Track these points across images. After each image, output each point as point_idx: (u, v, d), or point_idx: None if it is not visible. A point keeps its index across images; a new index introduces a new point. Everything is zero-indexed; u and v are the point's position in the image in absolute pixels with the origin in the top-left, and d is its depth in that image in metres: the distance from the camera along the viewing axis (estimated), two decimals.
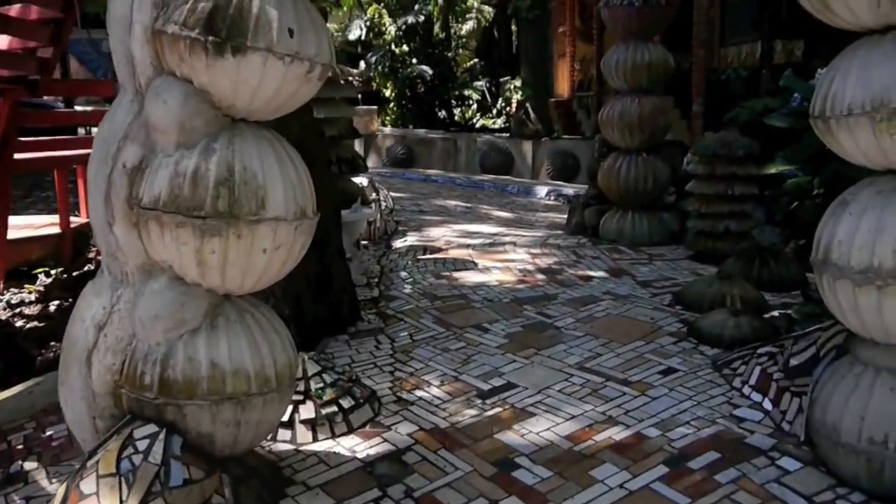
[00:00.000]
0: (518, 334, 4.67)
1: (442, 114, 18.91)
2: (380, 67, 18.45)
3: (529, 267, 6.31)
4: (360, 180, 7.48)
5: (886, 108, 2.53)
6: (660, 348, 4.42)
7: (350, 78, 6.10)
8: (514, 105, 17.27)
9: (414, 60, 18.06)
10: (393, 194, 10.92)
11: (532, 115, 15.78)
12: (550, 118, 16.32)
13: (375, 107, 16.69)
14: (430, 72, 17.52)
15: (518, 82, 16.76)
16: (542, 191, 12.40)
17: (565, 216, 10.24)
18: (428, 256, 6.76)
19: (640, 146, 7.25)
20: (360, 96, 19.11)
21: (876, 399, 2.81)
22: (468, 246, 7.17)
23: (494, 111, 19.11)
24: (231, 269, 2.64)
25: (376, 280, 6.09)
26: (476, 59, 20.79)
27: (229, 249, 2.59)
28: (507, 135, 16.26)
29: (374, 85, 18.98)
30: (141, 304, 2.72)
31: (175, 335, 2.70)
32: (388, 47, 18.27)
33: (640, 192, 7.23)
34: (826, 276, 2.92)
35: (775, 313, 5.02)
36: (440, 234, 7.92)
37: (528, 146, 14.58)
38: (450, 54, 18.74)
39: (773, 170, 7.01)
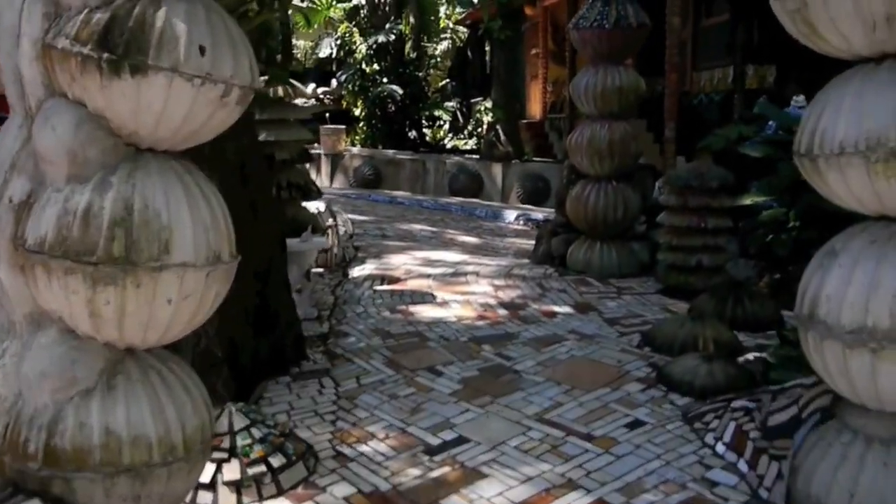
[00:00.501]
0: (474, 379, 4.32)
1: (412, 134, 18.59)
2: (350, 86, 18.13)
3: (491, 300, 5.97)
4: (317, 205, 7.13)
5: (884, 147, 2.22)
6: (626, 396, 4.09)
7: (304, 99, 5.76)
8: (485, 126, 17.02)
9: (385, 80, 17.75)
10: (356, 217, 10.59)
11: (502, 136, 15.51)
12: (521, 140, 16.08)
13: (343, 126, 16.34)
14: (401, 91, 17.21)
15: (489, 104, 16.51)
16: (510, 215, 12.10)
17: (533, 242, 9.96)
18: (385, 287, 6.41)
19: (609, 174, 6.95)
20: (328, 115, 18.80)
21: (868, 474, 2.49)
22: (429, 276, 6.82)
23: (466, 132, 18.85)
24: (130, 321, 2.27)
25: (328, 313, 5.72)
26: (448, 80, 20.55)
27: (127, 300, 2.22)
28: (477, 156, 15.99)
29: (345, 104, 18.66)
30: (27, 358, 2.35)
31: (64, 396, 2.32)
32: (358, 66, 17.95)
33: (610, 221, 6.93)
34: (812, 334, 2.60)
35: (750, 356, 4.72)
36: (401, 262, 7.57)
37: (497, 168, 14.30)
38: (421, 74, 18.45)
39: (747, 201, 6.74)
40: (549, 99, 22.55)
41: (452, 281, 6.63)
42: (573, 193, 7.12)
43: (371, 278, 6.74)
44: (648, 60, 11.68)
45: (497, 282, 6.63)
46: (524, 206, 13.56)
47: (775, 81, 16.39)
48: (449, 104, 18.43)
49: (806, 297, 2.66)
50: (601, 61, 6.83)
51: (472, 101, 19.06)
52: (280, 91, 5.58)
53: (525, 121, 21.39)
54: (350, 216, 10.75)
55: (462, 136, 19.81)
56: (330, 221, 7.11)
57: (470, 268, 7.24)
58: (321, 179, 15.38)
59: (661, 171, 10.78)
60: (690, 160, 14.71)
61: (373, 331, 5.19)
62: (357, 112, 18.20)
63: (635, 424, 3.74)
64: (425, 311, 5.63)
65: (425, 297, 6.04)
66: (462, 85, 22.41)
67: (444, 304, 5.85)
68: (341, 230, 7.91)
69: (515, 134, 15.83)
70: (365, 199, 13.12)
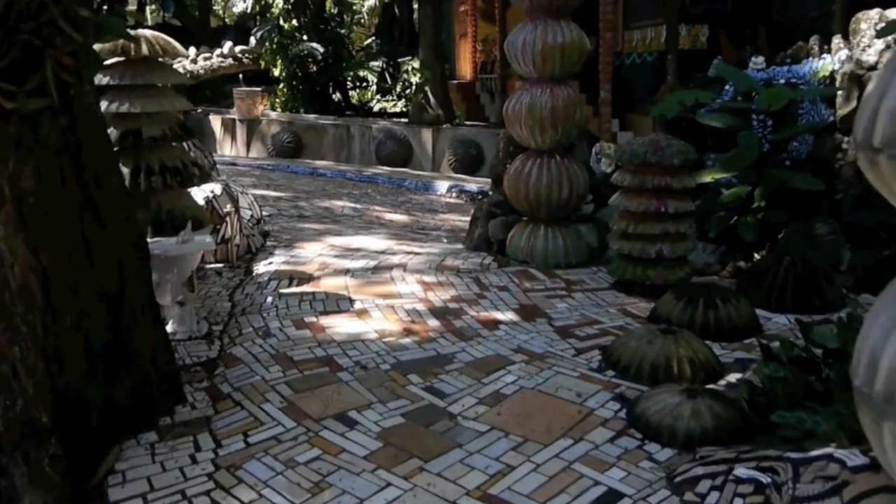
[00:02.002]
0: (397, 431, 3.36)
1: (337, 96, 17.40)
2: (267, 44, 16.80)
3: (420, 306, 5.00)
4: (211, 188, 6.03)
5: None
6: (593, 450, 3.19)
7: (178, 59, 4.63)
8: (413, 88, 15.93)
9: (304, 37, 16.47)
10: (270, 194, 9.50)
11: (432, 99, 14.48)
12: (452, 103, 15.04)
13: (259, 89, 15.05)
14: (321, 50, 15.96)
15: (416, 63, 15.40)
16: (442, 186, 11.12)
17: (467, 219, 9.02)
18: (294, 290, 5.38)
19: (552, 146, 6.01)
20: (241, 76, 17.47)
21: None
22: (347, 271, 5.81)
23: (394, 94, 17.71)
24: None
25: (220, 328, 4.69)
26: (373, 38, 19.33)
27: None
28: (406, 121, 14.93)
29: (262, 63, 17.34)
30: None
31: None
32: (275, 22, 16.61)
33: (554, 203, 6.00)
34: (890, 424, 1.70)
35: (732, 379, 3.87)
36: (316, 251, 6.53)
37: (427, 134, 13.28)
38: (344, 31, 17.20)
39: (706, 178, 5.90)
40: (480, 58, 21.47)
41: (374, 279, 5.63)
42: (511, 169, 6.17)
43: (278, 277, 5.69)
44: (579, 18, 10.79)
45: (427, 278, 5.65)
46: (456, 175, 12.61)
47: (708, 41, 15.71)
48: (375, 64, 17.28)
49: (880, 366, 1.74)
50: (540, 15, 5.84)
51: (400, 60, 17.91)
52: (145, 48, 4.46)
53: (455, 81, 20.37)
54: (263, 192, 9.65)
55: (390, 98, 18.69)
56: (228, 207, 6.02)
57: (396, 259, 6.24)
58: (237, 148, 14.14)
59: (597, 136, 9.93)
60: (624, 125, 14.00)
61: (272, 356, 4.17)
62: (276, 73, 16.91)
63: (610, 498, 2.83)
64: (339, 325, 4.63)
65: (341, 304, 5.04)
66: (391, 44, 21.21)
67: (364, 312, 4.86)
68: (246, 215, 6.82)
69: (445, 96, 14.80)
70: (283, 170, 11.95)
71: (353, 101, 17.85)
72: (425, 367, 4.00)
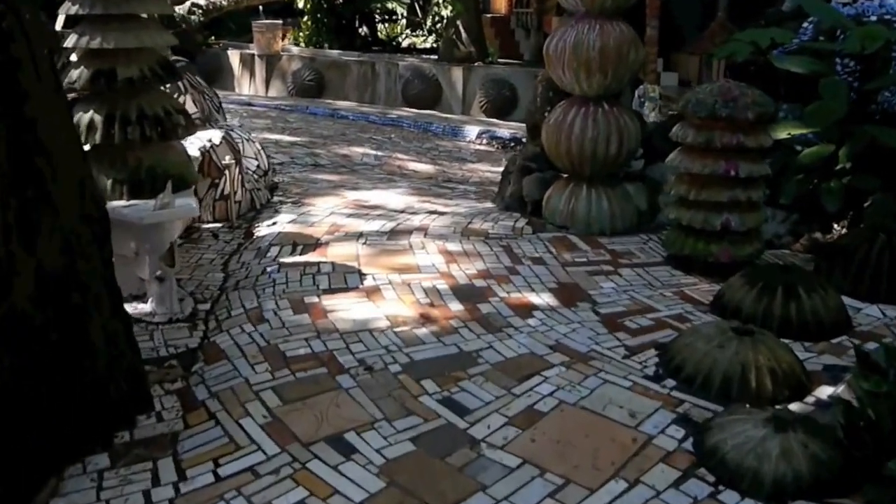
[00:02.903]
0: (405, 464, 2.66)
1: (363, 30, 16.43)
2: None
3: (441, 283, 4.27)
4: (209, 136, 5.30)
5: None
6: (654, 499, 2.47)
7: None
8: (444, 22, 14.94)
9: None
10: (286, 139, 8.76)
11: (464, 34, 13.52)
12: (485, 39, 14.07)
13: (279, 21, 14.15)
14: None
15: None
16: (472, 131, 10.29)
17: (499, 170, 8.23)
18: (297, 259, 4.67)
19: (601, 93, 5.18)
20: (260, 8, 16.52)
21: None
22: (359, 236, 5.08)
23: (425, 28, 16.69)
24: None
25: (209, 306, 4.02)
26: None
27: None
28: (436, 58, 14.00)
29: None
30: None
31: None
32: None
33: (601, 159, 5.20)
34: None
35: (822, 394, 3.13)
36: (327, 209, 5.80)
37: (458, 73, 12.39)
38: None
39: (781, 134, 5.05)
40: None
41: (390, 246, 4.89)
42: (551, 119, 5.35)
43: (281, 241, 4.98)
44: None
45: (451, 245, 4.91)
46: (488, 119, 11.76)
47: None
48: None
49: None
50: None
51: None
52: None
53: (489, 15, 19.29)
54: (277, 137, 8.90)
55: (420, 33, 17.70)
56: (228, 159, 5.29)
57: (417, 220, 5.50)
58: (255, 86, 13.35)
59: (641, 77, 9.02)
60: (668, 65, 12.98)
61: (262, 349, 3.49)
62: (300, 4, 15.97)
63: None
64: (345, 308, 3.92)
65: (349, 279, 4.32)
66: None
67: (375, 291, 4.14)
68: (252, 166, 6.10)
69: (479, 31, 13.82)
70: (301, 111, 11.15)
71: (381, 35, 16.87)
72: (444, 370, 3.28)
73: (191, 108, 5.47)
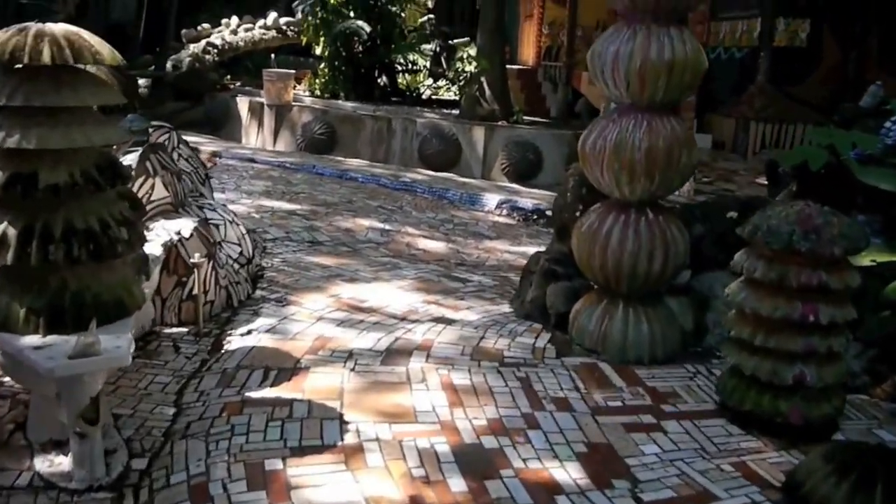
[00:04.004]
0: None
1: (383, 80, 15.75)
2: (310, 18, 15.20)
3: (441, 442, 3.40)
4: (179, 227, 4.48)
5: None
6: None
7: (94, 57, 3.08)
8: (467, 76, 14.20)
9: (351, 14, 14.82)
10: (285, 206, 7.95)
11: (488, 91, 12.79)
12: (509, 97, 13.32)
13: (292, 71, 13.46)
14: (368, 29, 14.31)
15: (473, 50, 13.68)
16: (491, 200, 9.47)
17: (519, 250, 7.41)
18: (266, 393, 3.81)
19: (645, 199, 4.34)
20: (272, 56, 15.88)
21: None
22: (348, 356, 4.23)
23: (448, 77, 15.97)
24: None
25: (145, 463, 3.18)
26: (429, 16, 17.60)
27: None
28: (457, 112, 13.27)
29: (304, 40, 15.78)
30: None
31: None
32: None
33: (641, 276, 4.34)
34: None
35: None
36: (316, 311, 4.96)
37: (479, 133, 11.61)
38: (395, 9, 15.49)
39: (864, 261, 4.18)
40: (544, 43, 19.72)
41: (384, 376, 4.04)
42: (584, 224, 4.50)
43: (252, 363, 4.13)
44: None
45: (457, 376, 4.05)
46: (509, 185, 10.94)
47: (808, 39, 13.76)
48: (427, 47, 15.54)
49: None
50: (642, 19, 4.15)
51: (455, 41, 16.18)
52: (47, 54, 2.87)
53: (515, 67, 18.63)
54: (275, 204, 8.10)
55: (443, 83, 17.03)
56: (198, 257, 4.45)
57: (419, 332, 4.65)
58: (263, 137, 12.62)
59: None
60: (702, 127, 12.15)
61: None
62: (318, 51, 15.32)
63: None
64: (314, 483, 3.05)
65: (326, 430, 3.45)
66: (447, 23, 19.51)
67: (356, 453, 3.26)
68: (234, 253, 5.28)
69: (503, 89, 13.08)
70: (307, 171, 10.35)
71: (401, 86, 16.20)
72: None
73: (160, 192, 4.67)
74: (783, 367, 3.52)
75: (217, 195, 8.05)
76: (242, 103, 12.97)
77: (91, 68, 3.20)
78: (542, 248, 7.63)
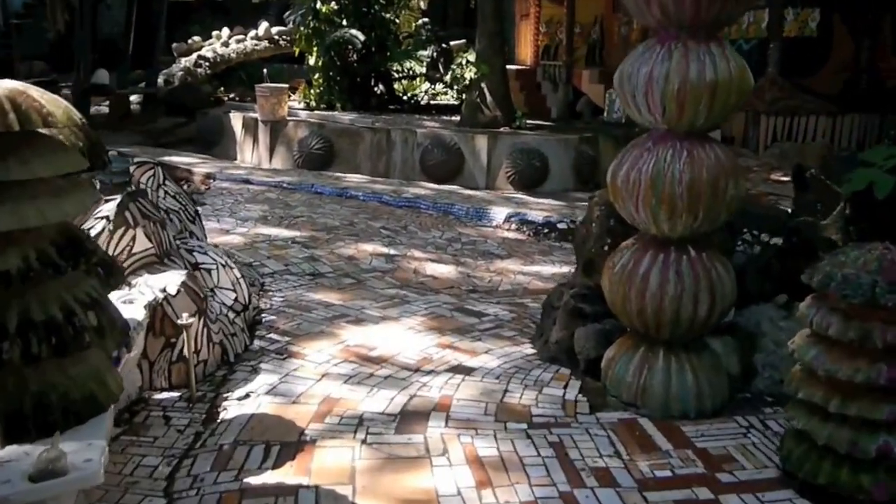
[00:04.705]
0: None
1: (379, 88, 15.26)
2: (302, 28, 14.70)
3: None
4: (165, 284, 4.02)
5: None
6: None
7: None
8: (466, 81, 13.70)
9: (344, 22, 14.32)
10: (283, 233, 7.48)
11: (489, 97, 12.31)
12: (511, 101, 12.84)
13: (286, 86, 12.96)
14: (362, 38, 13.82)
15: (472, 56, 13.19)
16: (499, 214, 9.00)
17: (532, 270, 6.95)
18: (267, 478, 3.34)
19: (686, 236, 3.86)
20: (265, 71, 15.40)
21: None
22: (358, 423, 3.77)
23: (447, 83, 15.48)
24: None
25: None
26: (424, 20, 17.11)
27: None
28: (458, 118, 12.78)
29: (296, 50, 15.28)
30: None
31: None
32: (311, 4, 14.48)
33: (685, 322, 3.87)
34: None
35: None
36: (320, 364, 4.50)
37: (482, 141, 11.13)
38: (389, 15, 15.00)
39: None
40: (542, 42, 19.25)
41: (399, 449, 3.57)
42: (617, 264, 4.02)
43: (251, 437, 3.66)
44: None
45: (482, 445, 3.59)
46: (516, 195, 10.46)
47: (818, 28, 13.29)
48: (423, 53, 15.04)
49: None
50: (677, 35, 3.68)
51: (451, 43, 15.68)
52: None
53: (514, 67, 18.16)
54: (272, 232, 7.63)
55: (441, 89, 16.55)
56: (186, 318, 3.96)
57: (436, 386, 4.20)
58: (258, 154, 12.13)
59: None
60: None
61: None
62: (311, 61, 14.83)
63: None
64: None
65: None
66: (441, 25, 19.00)
67: None
68: (228, 300, 4.81)
69: (505, 93, 12.60)
70: (306, 190, 9.86)
71: (398, 93, 15.71)
72: None
73: (142, 244, 4.19)
74: (865, 438, 3.05)
75: (211, 224, 7.62)
76: (236, 119, 12.48)
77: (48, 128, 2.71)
78: (556, 268, 7.23)
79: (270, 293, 5.83)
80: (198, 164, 11.05)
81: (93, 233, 4.05)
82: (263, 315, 5.30)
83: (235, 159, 12.32)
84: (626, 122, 12.91)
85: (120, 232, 4.07)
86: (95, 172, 3.39)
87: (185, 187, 9.85)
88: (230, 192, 9.44)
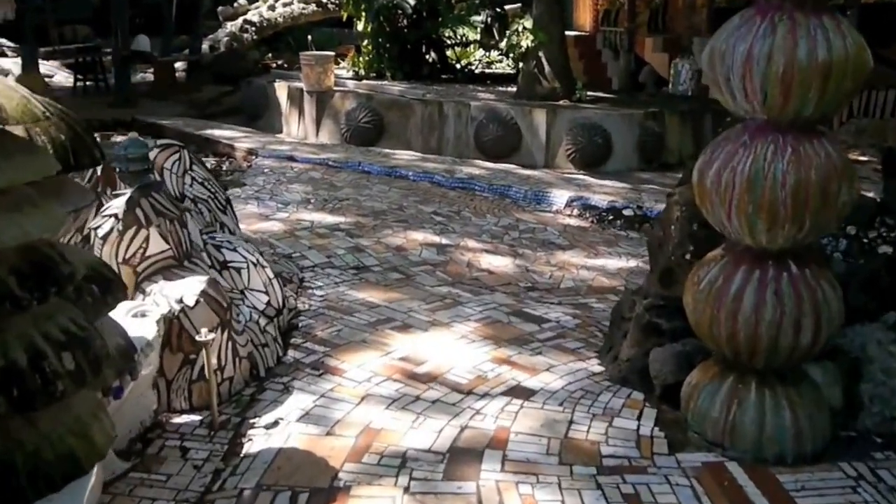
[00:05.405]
0: None
1: (431, 56, 14.65)
2: None
3: None
4: (181, 293, 3.55)
5: None
6: None
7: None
8: (522, 46, 12.98)
9: None
10: (327, 219, 7.00)
11: (547, 68, 11.61)
12: (571, 72, 12.14)
13: (331, 53, 12.41)
14: (412, 1, 13.20)
15: (528, 22, 12.49)
16: (559, 198, 8.39)
17: (597, 263, 6.39)
18: None
19: (787, 248, 3.25)
20: (309, 38, 14.85)
21: None
22: (401, 464, 3.28)
23: (502, 49, 14.77)
24: None
25: None
26: None
27: None
28: (514, 89, 12.13)
29: (344, 15, 14.72)
30: None
31: None
32: None
33: (785, 351, 3.27)
34: None
35: None
36: (360, 383, 4.01)
37: (540, 116, 10.48)
38: None
39: None
40: (602, 6, 18.35)
41: (448, 497, 3.06)
42: (703, 280, 3.42)
43: (277, 481, 3.19)
44: None
45: (545, 497, 3.07)
46: (577, 175, 9.83)
47: None
48: (476, 18, 14.36)
49: None
50: (781, 6, 3.05)
51: (506, 7, 14.95)
52: None
53: (572, 33, 17.34)
54: (315, 217, 7.15)
55: (496, 54, 15.87)
56: (204, 333, 3.48)
57: (490, 415, 3.68)
58: (304, 127, 11.65)
59: None
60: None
61: None
62: (360, 27, 14.25)
63: None
64: None
65: None
66: None
67: None
68: (259, 304, 4.34)
69: (564, 64, 11.89)
70: (353, 168, 9.34)
71: (451, 60, 15.08)
72: None
73: (157, 245, 3.72)
74: None
75: (250, 208, 7.18)
76: (281, 89, 12.00)
77: (21, 126, 2.22)
78: (622, 262, 6.62)
79: (310, 291, 5.35)
80: (240, 139, 10.62)
81: (100, 233, 3.58)
82: (300, 318, 4.83)
83: (280, 132, 11.86)
84: (693, 96, 12.15)
85: (131, 232, 3.60)
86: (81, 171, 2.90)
87: (226, 165, 9.47)
88: (272, 171, 8.97)
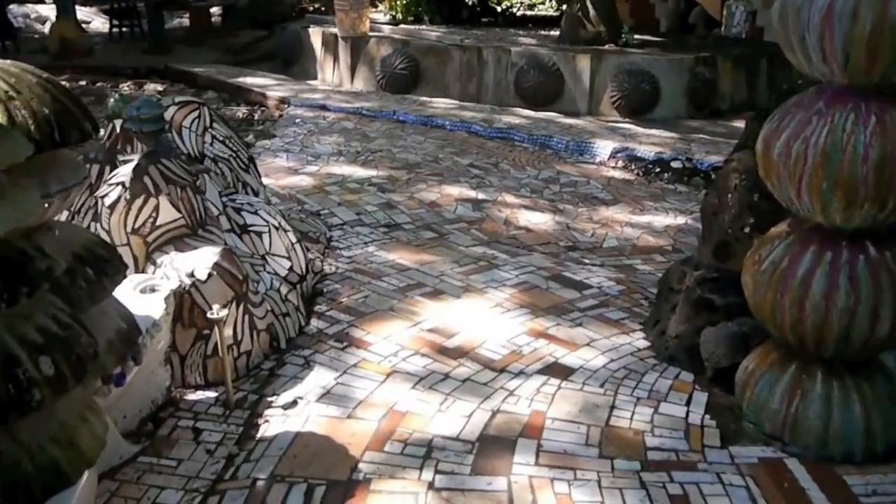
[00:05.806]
0: None
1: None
2: None
3: None
4: (192, 265, 3.29)
5: None
6: None
7: None
8: None
9: None
10: (358, 172, 6.72)
11: (591, 10, 11.07)
12: (617, 15, 11.58)
13: None
14: None
15: None
16: (603, 149, 7.98)
17: (643, 220, 6.06)
18: None
19: (866, 226, 2.88)
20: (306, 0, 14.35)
21: None
22: (426, 454, 3.02)
23: None
24: None
25: None
26: None
27: None
28: (557, 34, 11.62)
29: None
30: None
31: None
32: None
33: (859, 341, 2.93)
34: None
35: None
36: (386, 357, 3.75)
37: (584, 62, 9.99)
38: None
39: None
40: None
41: (475, 495, 2.81)
42: (765, 260, 3.07)
43: (291, 472, 2.95)
44: None
45: (582, 496, 2.79)
46: (622, 123, 9.38)
47: None
48: None
49: None
50: None
51: None
52: None
53: None
54: (345, 171, 6.85)
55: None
56: (216, 310, 3.21)
57: (524, 397, 3.41)
58: (339, 73, 11.28)
59: None
60: None
61: None
62: None
63: None
64: None
65: None
66: None
67: None
68: (282, 269, 4.08)
69: (610, 4, 11.33)
70: (387, 117, 8.98)
71: (492, 2, 14.53)
72: None
73: (168, 214, 3.45)
74: None
75: (279, 161, 6.91)
76: (315, 35, 11.60)
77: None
78: (670, 219, 6.25)
79: (337, 251, 5.08)
80: (273, 87, 10.29)
81: (107, 202, 3.32)
82: (326, 282, 4.56)
83: (315, 79, 11.50)
84: (747, 38, 11.56)
85: (139, 201, 3.34)
86: (82, 146, 2.63)
87: (257, 115, 9.17)
88: (304, 121, 8.66)
